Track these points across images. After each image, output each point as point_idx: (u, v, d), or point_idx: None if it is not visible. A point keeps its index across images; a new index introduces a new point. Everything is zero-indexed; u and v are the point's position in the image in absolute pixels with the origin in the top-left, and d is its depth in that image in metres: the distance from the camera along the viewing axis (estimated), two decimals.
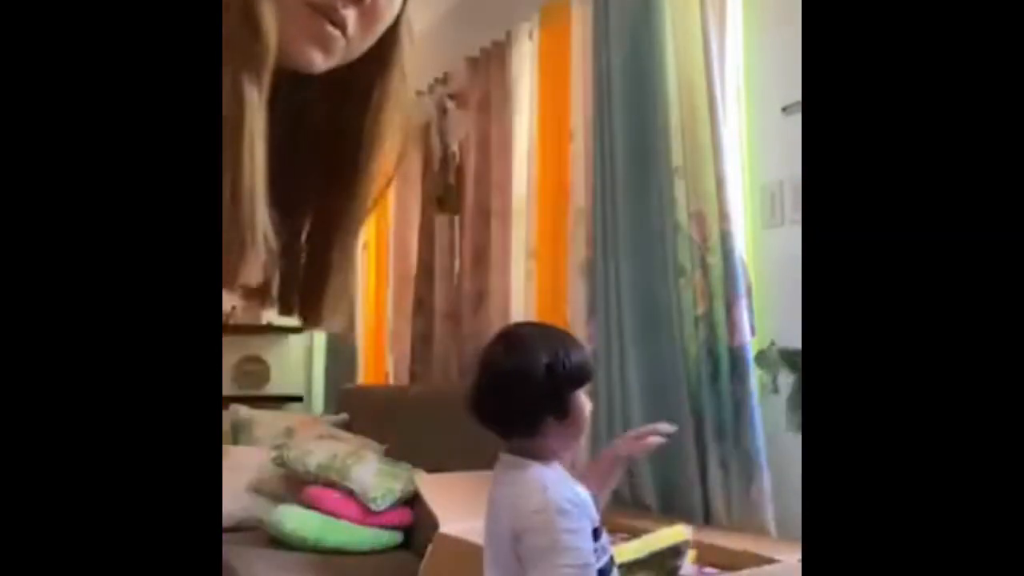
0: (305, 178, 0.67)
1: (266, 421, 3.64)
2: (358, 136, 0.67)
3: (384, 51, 0.65)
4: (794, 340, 1.94)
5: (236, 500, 2.93)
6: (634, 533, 1.95)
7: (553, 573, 1.16)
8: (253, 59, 0.54)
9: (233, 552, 2.51)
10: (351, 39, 0.57)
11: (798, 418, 1.88)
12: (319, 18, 0.54)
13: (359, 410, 3.61)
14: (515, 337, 1.34)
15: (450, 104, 3.36)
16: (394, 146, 0.72)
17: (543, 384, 1.25)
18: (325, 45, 0.55)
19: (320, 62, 0.55)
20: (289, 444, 3.08)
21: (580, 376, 1.31)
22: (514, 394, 1.26)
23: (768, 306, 2.01)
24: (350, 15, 0.55)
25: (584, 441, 2.37)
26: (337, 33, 0.55)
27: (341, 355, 4.19)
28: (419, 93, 3.62)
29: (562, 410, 1.28)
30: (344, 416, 3.63)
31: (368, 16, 0.57)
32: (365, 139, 0.67)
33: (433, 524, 1.94)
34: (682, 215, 2.13)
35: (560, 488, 1.25)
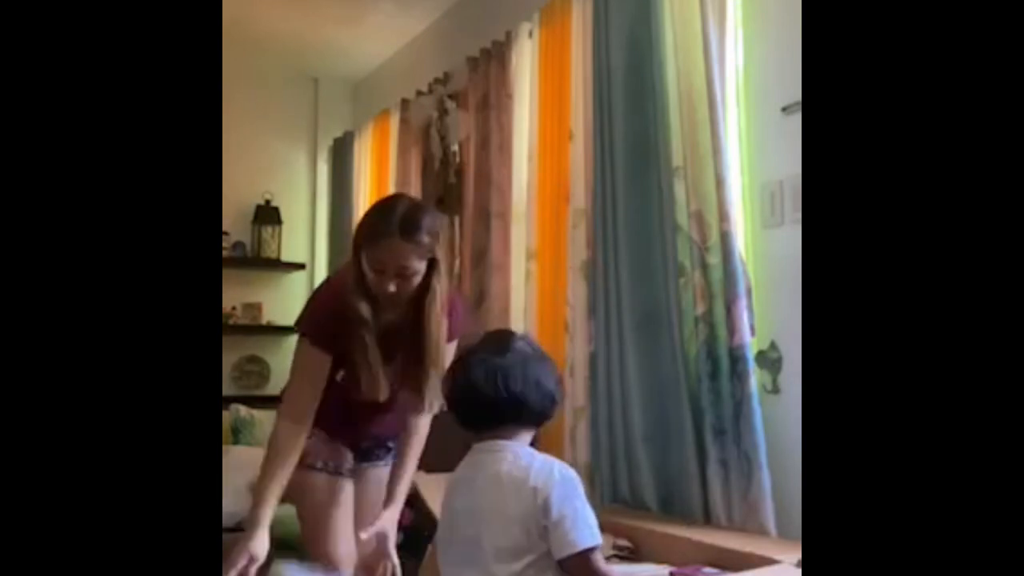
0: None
1: (266, 421, 3.63)
2: (420, 322, 1.73)
3: (427, 282, 1.70)
4: (794, 340, 1.94)
5: (236, 500, 2.92)
6: (634, 533, 1.95)
7: (588, 529, 1.30)
8: (358, 320, 1.70)
9: None
10: (404, 289, 1.68)
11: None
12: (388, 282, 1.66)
13: None
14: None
15: (450, 104, 3.36)
16: (440, 322, 1.75)
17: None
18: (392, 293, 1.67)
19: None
20: None
21: None
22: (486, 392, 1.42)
23: (768, 306, 2.01)
24: (398, 283, 1.67)
25: (584, 440, 2.37)
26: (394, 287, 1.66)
27: None
28: (419, 93, 3.62)
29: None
30: None
31: (407, 280, 1.68)
32: (424, 322, 1.73)
33: (433, 524, 1.95)
34: (682, 215, 2.13)
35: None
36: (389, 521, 1.81)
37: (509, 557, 1.30)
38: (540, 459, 1.37)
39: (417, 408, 1.83)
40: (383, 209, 1.71)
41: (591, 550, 1.29)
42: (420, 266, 1.67)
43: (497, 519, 1.33)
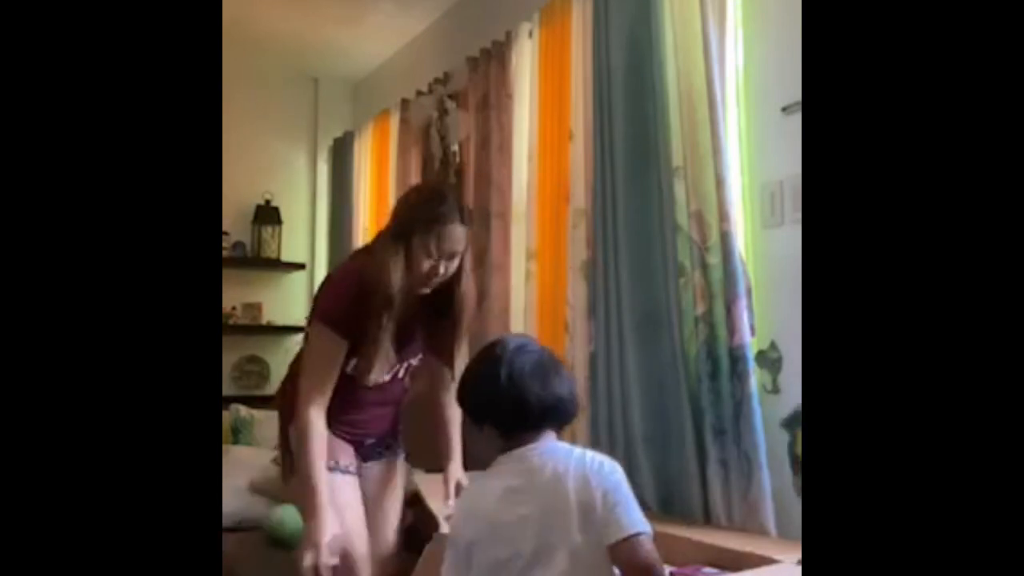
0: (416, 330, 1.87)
1: (266, 421, 3.63)
2: (454, 299, 1.86)
3: (461, 263, 1.83)
4: (794, 340, 1.94)
5: (236, 500, 2.92)
6: None
7: (637, 514, 1.33)
8: (389, 301, 1.73)
9: (233, 552, 2.51)
10: (449, 271, 1.79)
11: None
12: (440, 267, 1.77)
13: None
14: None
15: (450, 104, 3.36)
16: (470, 303, 1.91)
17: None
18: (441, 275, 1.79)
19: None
20: None
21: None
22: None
23: (768, 306, 2.01)
24: (447, 266, 1.78)
25: (584, 441, 2.37)
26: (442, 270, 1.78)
27: None
28: (419, 93, 3.62)
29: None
30: None
31: (453, 263, 1.79)
32: (461, 299, 1.87)
33: (433, 524, 1.95)
34: (682, 215, 2.12)
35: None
36: (458, 471, 1.93)
37: (585, 551, 1.30)
38: (587, 452, 1.40)
39: (448, 383, 1.91)
40: (438, 196, 1.81)
41: (645, 534, 1.30)
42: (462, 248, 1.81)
43: (570, 518, 1.31)
